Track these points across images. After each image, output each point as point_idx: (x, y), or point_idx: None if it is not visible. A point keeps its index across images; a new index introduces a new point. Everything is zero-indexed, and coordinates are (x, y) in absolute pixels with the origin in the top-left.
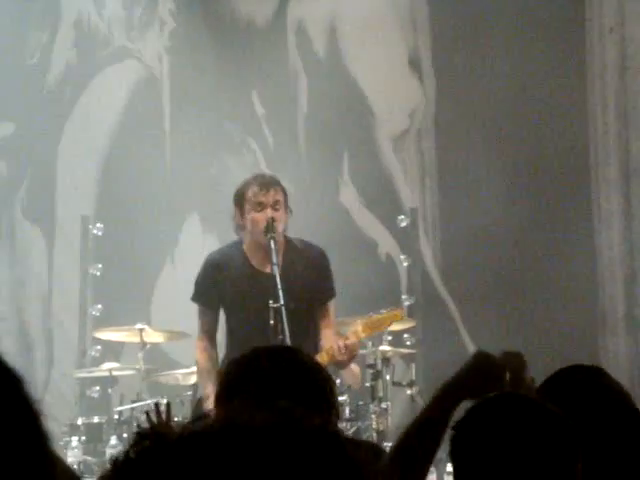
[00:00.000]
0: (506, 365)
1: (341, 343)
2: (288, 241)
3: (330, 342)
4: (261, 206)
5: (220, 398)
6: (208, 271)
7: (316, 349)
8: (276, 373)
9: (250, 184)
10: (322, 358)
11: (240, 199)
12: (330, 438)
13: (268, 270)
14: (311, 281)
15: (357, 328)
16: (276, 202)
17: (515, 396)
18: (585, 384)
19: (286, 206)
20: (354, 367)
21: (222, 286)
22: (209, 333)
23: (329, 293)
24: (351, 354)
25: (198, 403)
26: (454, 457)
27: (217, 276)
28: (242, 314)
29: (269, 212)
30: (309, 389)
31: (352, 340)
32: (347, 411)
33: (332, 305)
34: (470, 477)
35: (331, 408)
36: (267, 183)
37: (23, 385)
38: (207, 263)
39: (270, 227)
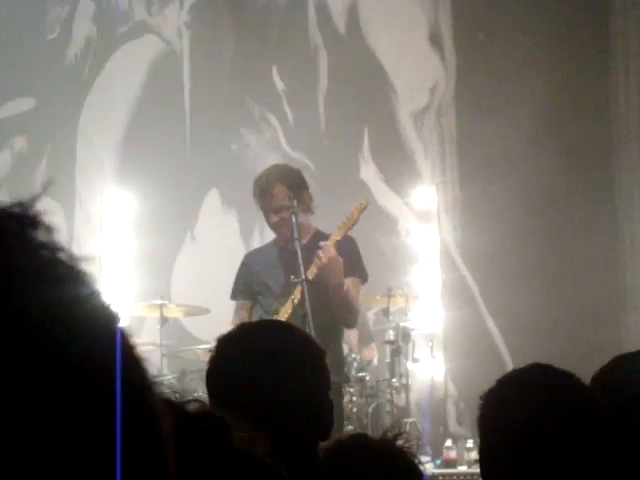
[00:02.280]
0: None
1: (319, 251)
2: (317, 231)
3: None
4: (265, 211)
5: (210, 376)
6: (241, 268)
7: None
8: (266, 348)
9: (255, 183)
10: (311, 272)
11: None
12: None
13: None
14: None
15: (334, 237)
16: (278, 207)
17: (544, 367)
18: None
19: (299, 197)
20: (366, 352)
21: (255, 279)
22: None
23: (354, 272)
24: (328, 255)
25: None
26: (482, 427)
27: (250, 270)
28: (271, 289)
29: (273, 217)
30: (300, 363)
31: (325, 242)
32: (367, 387)
33: (357, 285)
34: (498, 447)
35: (324, 380)
36: (263, 188)
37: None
38: (242, 261)
39: (293, 234)
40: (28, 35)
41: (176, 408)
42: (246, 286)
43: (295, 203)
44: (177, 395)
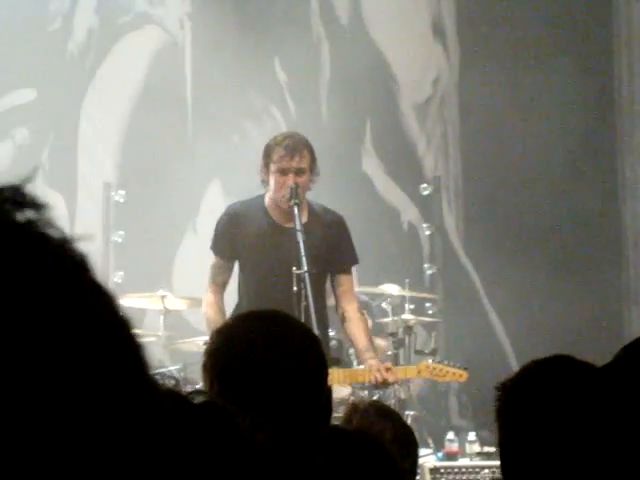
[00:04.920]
0: None
1: (388, 365)
2: (309, 205)
3: (353, 308)
4: (284, 172)
5: (208, 367)
6: (227, 221)
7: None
8: (265, 339)
9: (278, 144)
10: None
11: (267, 156)
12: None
13: (288, 225)
14: (331, 246)
15: (418, 367)
16: (300, 169)
17: (567, 358)
18: None
19: (312, 169)
20: (381, 342)
21: (241, 237)
22: (221, 285)
23: (349, 259)
24: (386, 380)
25: None
26: (502, 418)
27: (236, 227)
28: (259, 268)
29: (292, 178)
30: (299, 353)
31: (398, 374)
32: None
33: (352, 273)
34: (520, 438)
35: (321, 369)
36: (293, 148)
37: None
38: (227, 213)
39: (294, 194)
40: (29, 26)
41: (181, 399)
42: (231, 245)
43: (315, 168)
44: (173, 382)
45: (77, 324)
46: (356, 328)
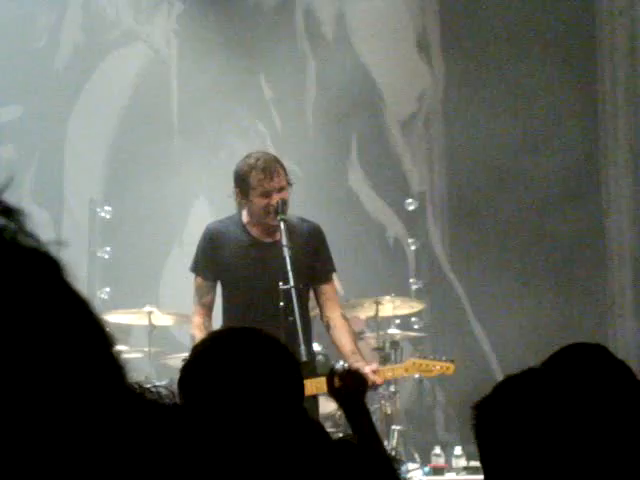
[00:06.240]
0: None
1: (374, 366)
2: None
3: (337, 314)
4: (267, 194)
5: (183, 383)
6: (207, 241)
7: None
8: (240, 358)
9: (253, 169)
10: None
11: (242, 183)
12: None
13: (267, 240)
14: (310, 255)
15: (404, 365)
16: (281, 187)
17: (539, 371)
18: (589, 360)
19: (289, 182)
20: (358, 315)
21: (221, 255)
22: (207, 306)
23: (329, 268)
24: (373, 382)
25: None
26: (480, 437)
27: (216, 246)
28: (242, 285)
29: (275, 197)
30: (273, 374)
31: (386, 375)
32: None
33: (333, 281)
34: (498, 455)
35: (297, 391)
36: (269, 169)
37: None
38: (206, 233)
39: (280, 209)
40: (16, 43)
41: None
42: (212, 264)
43: (291, 182)
44: (168, 394)
45: (50, 327)
46: (341, 334)
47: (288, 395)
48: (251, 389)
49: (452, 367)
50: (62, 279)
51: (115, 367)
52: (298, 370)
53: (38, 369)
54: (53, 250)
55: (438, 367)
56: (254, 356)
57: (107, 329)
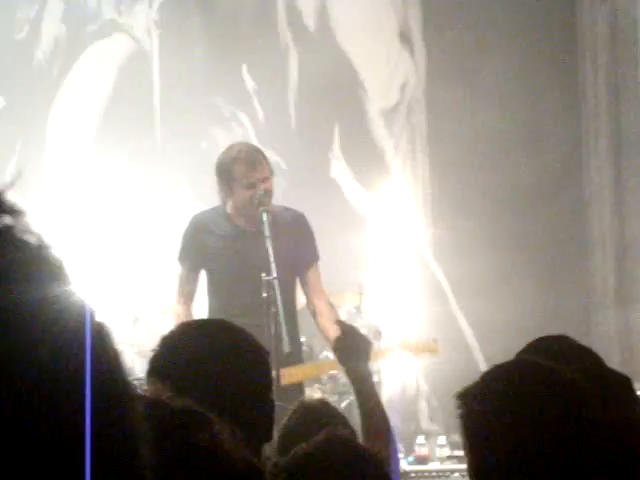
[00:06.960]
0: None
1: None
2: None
3: (322, 302)
4: (252, 185)
5: (152, 374)
6: (193, 231)
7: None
8: (208, 349)
9: (236, 161)
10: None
11: (226, 175)
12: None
13: (253, 229)
14: (296, 243)
15: (389, 345)
16: (265, 178)
17: (529, 361)
18: (556, 349)
19: (271, 172)
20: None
21: (207, 245)
22: (189, 297)
23: (313, 256)
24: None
25: None
26: (465, 426)
27: (202, 236)
28: (227, 274)
29: (260, 187)
30: (242, 364)
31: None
32: (340, 384)
33: (318, 268)
34: (483, 444)
35: (265, 382)
36: (252, 160)
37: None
38: (192, 223)
39: (263, 200)
40: None
41: (160, 404)
42: (197, 254)
43: (272, 170)
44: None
45: (55, 326)
46: (326, 320)
47: (255, 386)
48: (218, 380)
49: (436, 348)
50: (66, 279)
51: (117, 369)
52: (267, 362)
53: (44, 369)
54: (54, 249)
55: (426, 346)
56: (221, 348)
57: (108, 329)
